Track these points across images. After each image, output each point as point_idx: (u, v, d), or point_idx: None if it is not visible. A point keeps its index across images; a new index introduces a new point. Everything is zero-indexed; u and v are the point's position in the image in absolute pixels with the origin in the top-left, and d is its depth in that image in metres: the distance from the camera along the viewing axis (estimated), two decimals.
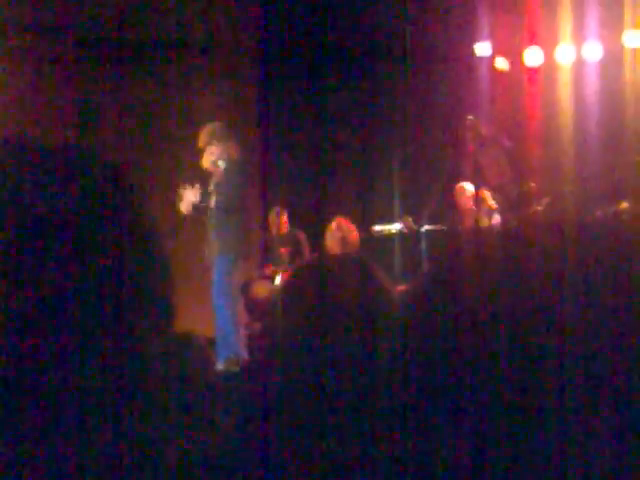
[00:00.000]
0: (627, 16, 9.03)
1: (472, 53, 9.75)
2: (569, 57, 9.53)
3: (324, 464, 1.35)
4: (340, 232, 7.38)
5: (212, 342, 6.45)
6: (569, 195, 8.53)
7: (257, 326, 7.78)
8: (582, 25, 9.26)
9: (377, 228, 8.72)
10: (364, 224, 8.37)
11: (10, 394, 0.83)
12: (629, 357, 0.95)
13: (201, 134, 6.99)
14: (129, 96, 8.95)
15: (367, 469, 1.29)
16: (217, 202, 6.88)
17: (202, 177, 7.07)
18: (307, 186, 9.88)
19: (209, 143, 6.93)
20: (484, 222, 8.39)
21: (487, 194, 8.66)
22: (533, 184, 8.86)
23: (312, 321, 1.55)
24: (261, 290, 8.10)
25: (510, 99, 9.63)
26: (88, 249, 0.87)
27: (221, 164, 6.94)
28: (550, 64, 9.64)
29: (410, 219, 8.72)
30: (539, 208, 8.37)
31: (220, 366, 6.19)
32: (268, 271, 8.52)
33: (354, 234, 7.45)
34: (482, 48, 9.75)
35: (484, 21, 9.53)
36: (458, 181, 8.93)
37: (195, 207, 6.92)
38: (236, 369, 6.10)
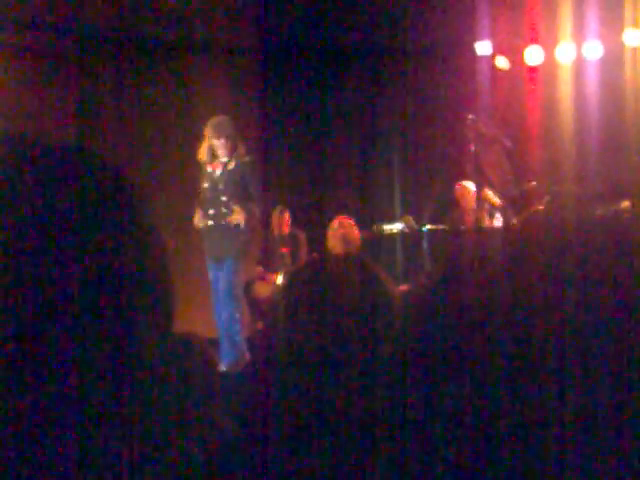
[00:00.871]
0: (627, 15, 9.03)
1: (473, 52, 9.75)
2: (569, 56, 9.53)
3: (324, 464, 1.35)
4: (341, 230, 7.38)
5: (214, 343, 6.43)
6: (570, 194, 8.53)
7: (259, 326, 7.78)
8: (582, 24, 9.26)
9: (378, 227, 8.72)
10: (365, 223, 8.37)
11: (10, 394, 0.83)
12: (629, 354, 0.95)
13: (207, 126, 6.70)
14: (128, 95, 8.93)
15: (367, 469, 1.29)
16: (223, 203, 6.67)
17: (202, 175, 6.86)
18: (308, 186, 9.88)
19: (214, 136, 6.67)
20: (486, 221, 8.39)
21: (488, 193, 8.65)
22: (534, 183, 8.85)
23: (313, 320, 1.55)
24: (262, 290, 8.11)
25: (511, 98, 9.63)
26: (88, 249, 0.87)
27: (226, 160, 6.71)
28: (550, 63, 9.63)
29: (411, 218, 8.72)
30: (540, 207, 8.36)
31: (223, 367, 6.17)
32: (270, 271, 8.52)
33: (355, 233, 7.46)
34: (483, 47, 9.75)
35: (485, 20, 9.53)
36: (459, 180, 8.93)
37: (208, 225, 6.69)
38: (239, 370, 6.09)
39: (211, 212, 6.71)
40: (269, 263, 8.64)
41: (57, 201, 0.87)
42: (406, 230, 8.61)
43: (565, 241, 1.02)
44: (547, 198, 8.54)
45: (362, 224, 7.96)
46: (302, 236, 8.84)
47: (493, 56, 9.80)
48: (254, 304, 7.99)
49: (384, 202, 9.60)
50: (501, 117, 9.46)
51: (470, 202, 8.73)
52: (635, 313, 0.96)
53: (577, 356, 0.94)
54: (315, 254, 8.20)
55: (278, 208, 8.88)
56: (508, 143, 9.03)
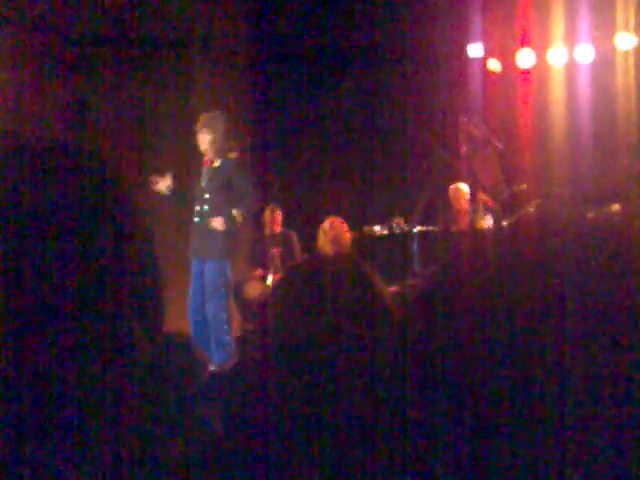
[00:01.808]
0: (619, 18, 9.06)
1: (464, 54, 9.77)
2: (561, 59, 9.55)
3: (322, 463, 1.35)
4: (332, 231, 7.38)
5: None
6: (561, 197, 8.55)
7: (249, 326, 7.78)
8: (574, 27, 9.29)
9: (369, 228, 8.73)
10: (356, 224, 8.37)
11: (9, 395, 0.83)
12: (623, 353, 0.95)
13: (200, 118, 6.61)
14: (128, 95, 8.91)
15: (367, 468, 1.29)
16: (206, 201, 6.62)
17: (192, 170, 6.81)
18: (299, 186, 9.88)
19: (201, 131, 6.57)
20: (478, 223, 8.40)
21: (481, 195, 8.67)
22: (525, 185, 8.87)
23: (304, 321, 1.55)
24: (253, 290, 8.10)
25: (502, 100, 9.65)
26: (83, 250, 0.87)
27: (212, 157, 6.61)
28: (542, 66, 9.66)
29: (402, 219, 8.72)
30: (531, 209, 8.37)
31: (213, 367, 6.16)
32: (260, 271, 8.50)
33: (346, 233, 7.46)
34: (474, 50, 9.77)
35: (477, 23, 9.55)
36: (450, 182, 8.94)
37: (172, 193, 6.55)
38: (229, 370, 6.08)
39: (196, 209, 6.65)
40: (261, 263, 8.61)
41: (54, 200, 0.87)
42: (397, 231, 8.62)
43: (555, 243, 1.03)
44: (538, 201, 8.56)
45: (353, 224, 7.96)
46: (294, 236, 8.82)
47: (485, 59, 9.82)
48: (245, 305, 7.99)
49: (375, 203, 9.61)
50: (492, 120, 9.48)
51: (464, 204, 8.74)
52: (625, 315, 0.97)
53: (569, 357, 0.95)
54: (305, 255, 8.20)
55: (270, 206, 8.85)
56: (499, 145, 9.04)
